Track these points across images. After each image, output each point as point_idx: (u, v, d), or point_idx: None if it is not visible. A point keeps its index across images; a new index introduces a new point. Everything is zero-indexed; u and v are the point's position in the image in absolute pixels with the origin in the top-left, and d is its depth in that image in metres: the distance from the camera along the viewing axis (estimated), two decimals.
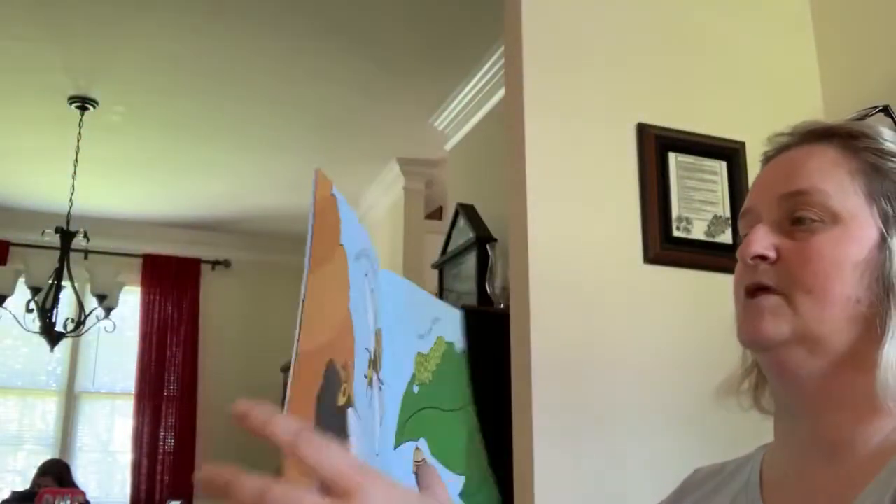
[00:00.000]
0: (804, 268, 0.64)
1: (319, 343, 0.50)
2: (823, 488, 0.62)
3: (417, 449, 0.69)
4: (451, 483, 0.72)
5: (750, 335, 0.66)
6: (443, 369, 0.74)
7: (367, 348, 0.56)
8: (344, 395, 0.52)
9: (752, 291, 0.67)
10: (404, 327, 0.68)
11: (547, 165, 1.65)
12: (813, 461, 0.65)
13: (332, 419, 0.49)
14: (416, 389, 0.68)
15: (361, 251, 0.56)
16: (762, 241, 0.66)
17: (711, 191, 1.76)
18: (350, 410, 0.52)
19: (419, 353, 0.71)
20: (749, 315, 0.66)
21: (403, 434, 0.65)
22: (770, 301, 0.65)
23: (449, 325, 0.77)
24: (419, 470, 0.65)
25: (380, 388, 0.59)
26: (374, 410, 0.57)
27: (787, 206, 0.67)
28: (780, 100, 1.91)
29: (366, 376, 0.55)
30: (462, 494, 0.73)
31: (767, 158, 0.74)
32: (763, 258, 0.66)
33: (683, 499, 0.77)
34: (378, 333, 0.60)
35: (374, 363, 0.58)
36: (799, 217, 0.66)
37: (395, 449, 0.64)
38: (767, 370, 0.69)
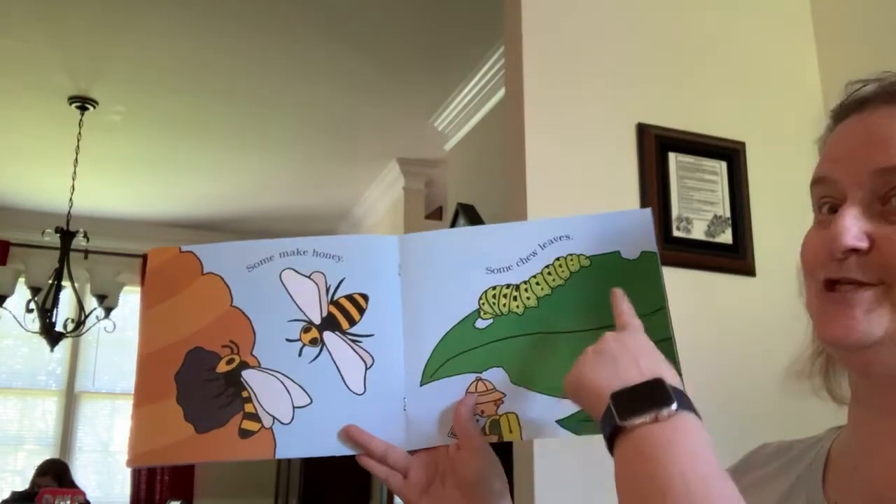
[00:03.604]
0: None
1: (169, 342, 0.73)
2: (894, 486, 0.57)
3: (480, 380, 0.73)
4: (551, 406, 0.71)
5: (837, 336, 0.56)
6: (568, 291, 0.73)
7: (294, 320, 0.74)
8: (229, 363, 0.73)
9: (832, 284, 0.58)
10: (452, 271, 0.75)
11: (547, 165, 1.65)
12: (888, 457, 0.58)
13: (207, 383, 0.72)
14: (481, 324, 0.74)
15: (264, 259, 0.76)
16: (853, 228, 0.56)
17: (711, 191, 1.76)
18: (247, 371, 0.72)
19: (497, 287, 0.74)
20: (834, 312, 0.57)
21: (450, 369, 0.73)
22: (863, 296, 0.56)
23: (591, 239, 0.73)
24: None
25: (352, 342, 0.74)
26: (323, 363, 0.73)
27: (881, 184, 0.56)
28: (780, 100, 1.91)
29: (294, 340, 0.73)
30: (576, 420, 0.71)
31: (843, 114, 0.62)
32: (855, 251, 0.56)
33: (747, 473, 0.70)
34: (355, 298, 0.75)
35: (330, 326, 0.74)
36: None
37: (421, 386, 0.73)
38: (849, 367, 0.62)
